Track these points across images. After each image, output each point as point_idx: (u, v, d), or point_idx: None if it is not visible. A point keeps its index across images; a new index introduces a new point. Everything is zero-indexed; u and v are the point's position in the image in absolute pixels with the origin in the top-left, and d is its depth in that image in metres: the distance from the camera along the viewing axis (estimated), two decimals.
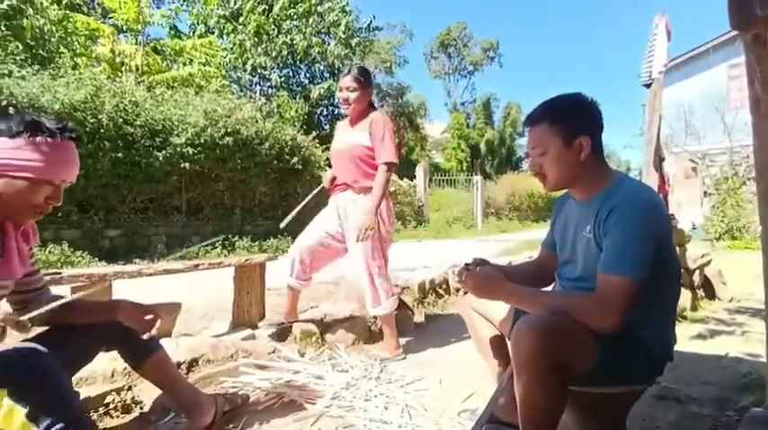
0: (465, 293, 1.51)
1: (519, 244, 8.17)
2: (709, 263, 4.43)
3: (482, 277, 1.32)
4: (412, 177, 12.31)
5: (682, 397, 1.93)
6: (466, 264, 1.37)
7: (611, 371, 1.22)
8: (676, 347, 1.33)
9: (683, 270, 3.77)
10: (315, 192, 2.72)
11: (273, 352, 2.23)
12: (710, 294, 4.35)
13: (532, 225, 14.08)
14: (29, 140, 1.09)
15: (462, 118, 23.99)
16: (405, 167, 14.53)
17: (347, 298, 3.03)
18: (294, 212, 2.66)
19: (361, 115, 2.41)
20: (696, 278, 4.14)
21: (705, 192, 11.86)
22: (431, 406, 1.82)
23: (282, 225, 2.67)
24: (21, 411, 0.91)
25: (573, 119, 1.29)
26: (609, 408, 1.39)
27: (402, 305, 3.11)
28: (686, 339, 2.95)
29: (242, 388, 1.90)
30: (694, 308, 3.87)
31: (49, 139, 1.11)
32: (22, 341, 1.19)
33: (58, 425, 0.95)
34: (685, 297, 3.73)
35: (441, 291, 3.64)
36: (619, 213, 1.20)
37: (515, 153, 26.89)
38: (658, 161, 4.00)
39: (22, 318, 1.13)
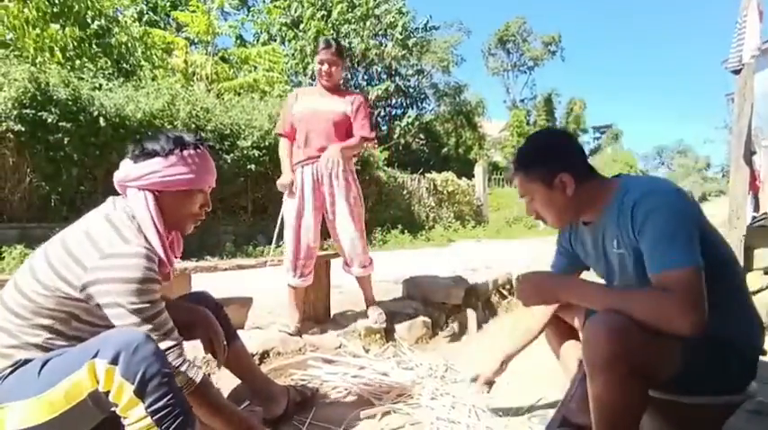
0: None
1: None
2: None
3: (533, 281, 1.28)
4: (470, 176, 12.10)
5: None
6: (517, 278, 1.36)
7: (700, 376, 1.13)
8: None
9: None
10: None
11: (339, 347, 2.28)
12: None
13: None
14: (179, 156, 1.21)
15: (522, 115, 23.23)
16: (463, 166, 14.33)
17: (409, 296, 3.03)
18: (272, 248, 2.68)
19: (337, 87, 2.49)
20: None
21: None
22: (499, 407, 1.78)
23: (271, 262, 2.58)
24: (129, 387, 1.00)
25: (544, 161, 1.26)
26: (700, 422, 1.28)
27: (465, 305, 3.07)
28: None
29: (311, 380, 1.96)
30: None
31: (193, 151, 1.24)
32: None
33: (161, 403, 1.02)
34: None
35: (504, 292, 3.55)
36: (645, 207, 1.12)
37: None
38: (749, 155, 3.64)
39: None
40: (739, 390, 1.21)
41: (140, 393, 1.00)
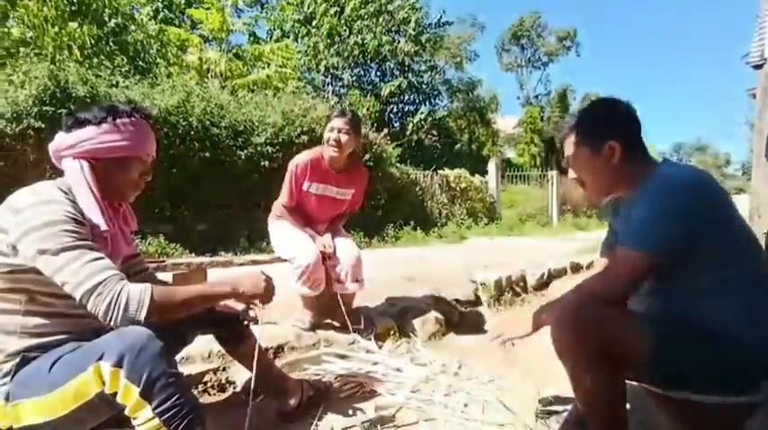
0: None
1: (599, 243, 7.64)
2: None
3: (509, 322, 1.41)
4: (483, 173, 12.03)
5: None
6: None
7: (703, 370, 1.13)
8: None
9: None
10: None
11: (353, 343, 2.29)
12: None
13: None
14: (112, 124, 1.22)
15: (536, 111, 22.96)
16: (476, 163, 14.24)
17: (422, 292, 3.03)
18: None
19: (346, 163, 2.44)
20: None
21: None
22: (513, 405, 1.77)
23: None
24: (135, 390, 1.01)
25: (597, 126, 1.29)
26: (719, 422, 1.26)
27: (478, 302, 3.06)
28: None
29: (324, 375, 1.98)
30: None
31: (126, 119, 1.24)
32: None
33: (168, 403, 1.03)
34: None
35: (518, 289, 3.52)
36: (644, 195, 1.18)
37: None
38: None
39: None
40: (747, 389, 1.18)
41: (146, 395, 1.01)
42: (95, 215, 1.16)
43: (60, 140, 1.23)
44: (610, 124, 1.29)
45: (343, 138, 2.30)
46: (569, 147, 1.34)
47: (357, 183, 2.52)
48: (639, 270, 1.15)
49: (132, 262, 1.42)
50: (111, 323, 1.06)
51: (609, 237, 1.52)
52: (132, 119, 1.25)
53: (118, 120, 1.22)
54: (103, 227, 1.17)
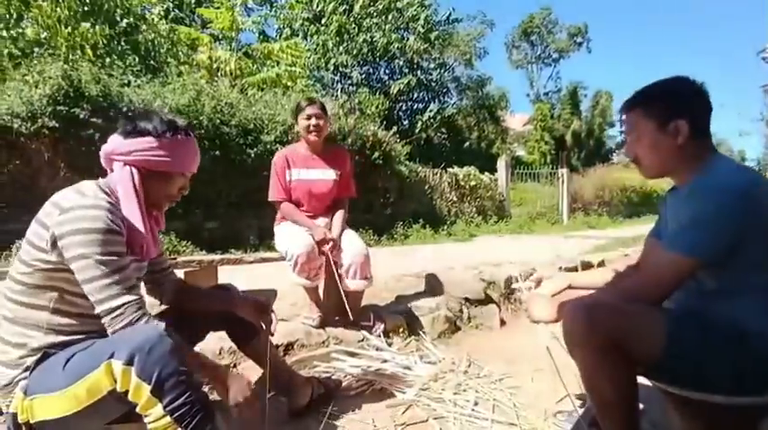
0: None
1: (611, 241, 7.59)
2: None
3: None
4: (493, 171, 11.97)
5: None
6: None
7: (723, 370, 1.09)
8: None
9: None
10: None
11: (362, 340, 2.29)
12: None
13: (624, 222, 13.04)
14: (170, 138, 1.24)
15: (546, 108, 22.76)
16: (485, 161, 14.18)
17: (431, 291, 3.02)
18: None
19: (324, 146, 2.56)
20: None
21: None
22: (523, 404, 1.76)
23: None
24: (146, 388, 1.02)
25: (668, 101, 1.22)
26: (731, 423, 1.24)
27: (488, 300, 3.05)
28: None
29: (334, 372, 1.98)
30: None
31: (183, 137, 1.27)
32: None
33: (179, 401, 1.04)
34: None
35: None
36: (698, 193, 1.14)
37: (605, 144, 25.11)
38: None
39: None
40: (764, 390, 1.15)
41: (157, 393, 1.03)
42: (137, 222, 1.20)
43: (116, 144, 1.24)
44: (682, 102, 1.22)
45: (321, 122, 2.46)
46: (633, 120, 1.27)
47: (339, 162, 2.56)
48: (684, 274, 1.11)
49: (156, 259, 1.45)
50: None
51: (657, 226, 1.45)
52: (189, 137, 1.29)
53: (177, 136, 1.26)
54: (144, 235, 1.21)
